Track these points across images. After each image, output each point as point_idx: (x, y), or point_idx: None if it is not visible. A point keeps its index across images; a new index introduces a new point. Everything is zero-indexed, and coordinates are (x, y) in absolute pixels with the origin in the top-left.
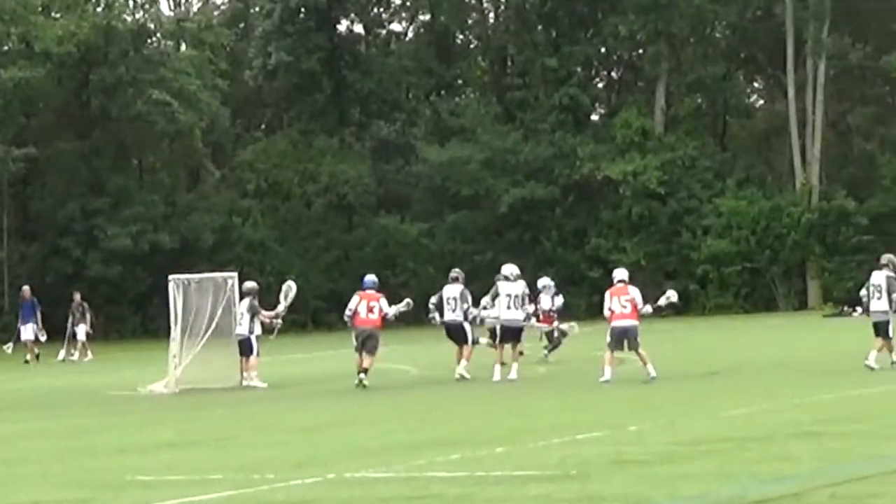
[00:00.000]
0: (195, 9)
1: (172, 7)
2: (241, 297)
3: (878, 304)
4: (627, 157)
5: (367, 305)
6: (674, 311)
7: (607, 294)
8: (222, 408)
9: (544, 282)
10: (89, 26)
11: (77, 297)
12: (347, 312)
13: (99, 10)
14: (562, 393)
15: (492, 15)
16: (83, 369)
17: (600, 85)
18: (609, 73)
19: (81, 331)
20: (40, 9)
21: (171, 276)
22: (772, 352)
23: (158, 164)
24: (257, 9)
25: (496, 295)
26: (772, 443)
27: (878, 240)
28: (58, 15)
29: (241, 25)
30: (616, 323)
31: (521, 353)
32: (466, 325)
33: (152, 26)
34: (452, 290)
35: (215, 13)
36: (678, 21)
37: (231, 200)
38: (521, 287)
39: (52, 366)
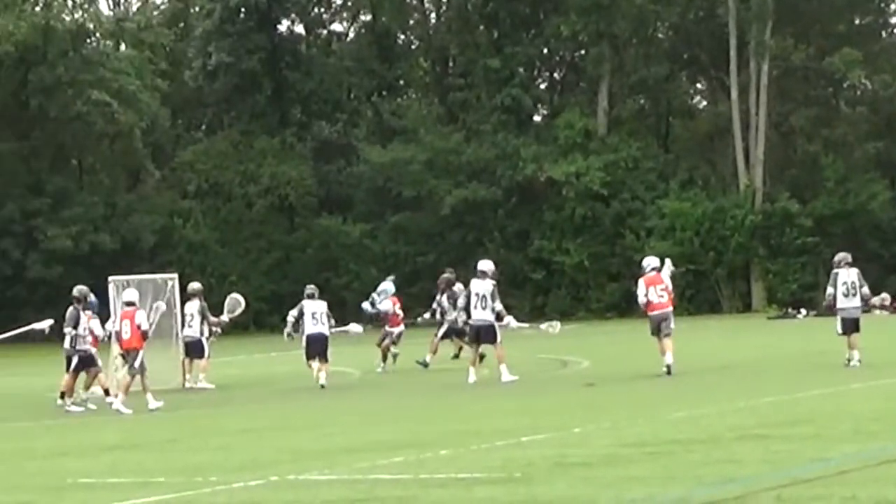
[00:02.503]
0: (135, 8)
1: (112, 7)
2: (188, 299)
3: (853, 301)
4: (570, 158)
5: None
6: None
7: (642, 283)
8: (164, 410)
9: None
10: (28, 26)
11: None
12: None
13: (38, 9)
14: (505, 396)
15: (433, 15)
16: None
17: (542, 86)
18: (551, 74)
19: None
20: None
21: (111, 278)
22: (716, 354)
23: (98, 164)
24: (197, 8)
25: (468, 295)
26: (716, 445)
27: (823, 241)
28: None
29: (181, 25)
30: (655, 312)
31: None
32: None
33: (91, 26)
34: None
35: (155, 13)
36: (620, 22)
37: (172, 201)
38: (489, 286)
39: None
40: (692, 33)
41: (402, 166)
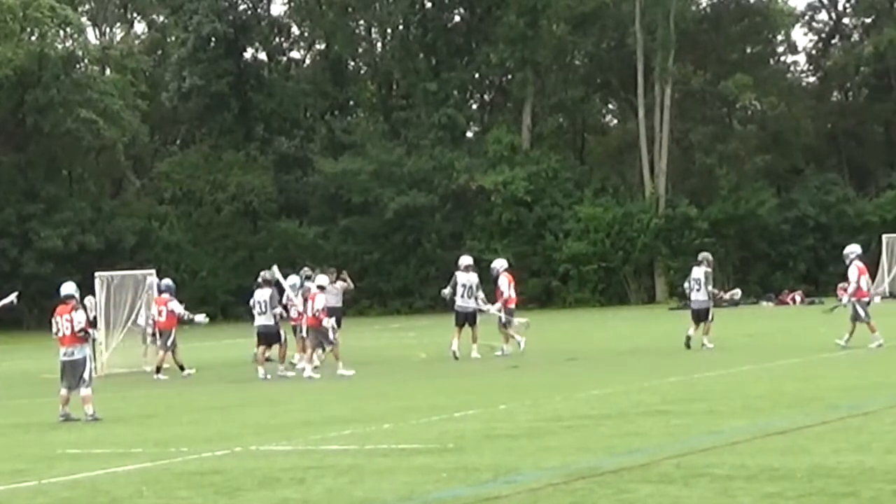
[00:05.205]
0: (118, 38)
1: (98, 36)
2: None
3: (698, 295)
4: (498, 169)
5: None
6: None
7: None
8: (142, 389)
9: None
10: (24, 53)
11: None
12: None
13: (33, 38)
14: (441, 377)
15: (379, 44)
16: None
17: (474, 106)
18: (482, 96)
19: None
20: None
21: (97, 274)
22: (624, 340)
23: (86, 174)
24: (173, 38)
25: (454, 284)
26: (624, 420)
27: (717, 242)
28: None
29: (159, 52)
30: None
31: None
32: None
33: (80, 53)
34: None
35: (136, 42)
36: (542, 50)
37: (150, 207)
38: (474, 278)
39: None
40: (605, 60)
41: (352, 176)
